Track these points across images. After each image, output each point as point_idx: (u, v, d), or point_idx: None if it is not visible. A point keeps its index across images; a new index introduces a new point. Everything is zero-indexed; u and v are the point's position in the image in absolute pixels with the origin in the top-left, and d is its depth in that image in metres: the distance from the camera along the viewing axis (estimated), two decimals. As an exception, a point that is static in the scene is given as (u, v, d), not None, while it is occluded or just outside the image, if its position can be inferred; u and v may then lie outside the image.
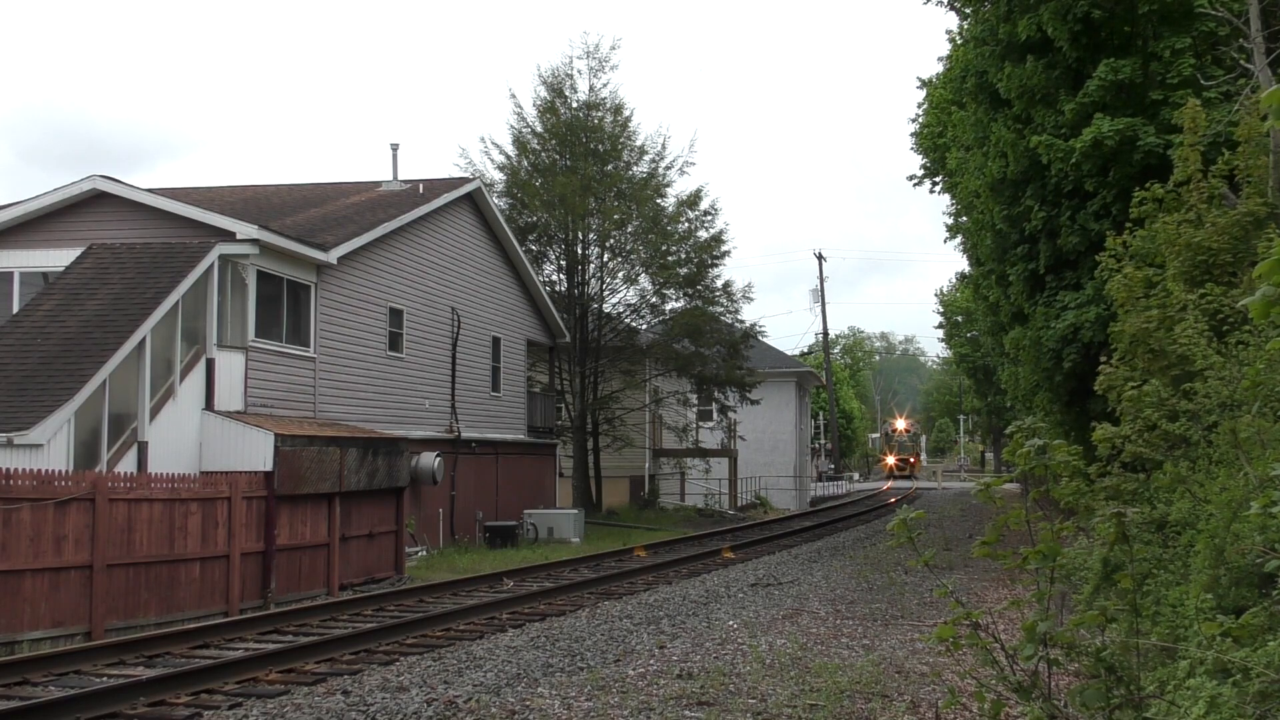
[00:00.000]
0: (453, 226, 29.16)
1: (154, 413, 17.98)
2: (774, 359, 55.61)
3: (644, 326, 40.92)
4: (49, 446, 15.65)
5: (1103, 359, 13.67)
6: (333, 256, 22.33)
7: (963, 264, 42.43)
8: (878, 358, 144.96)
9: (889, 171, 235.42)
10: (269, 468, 17.94)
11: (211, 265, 19.46)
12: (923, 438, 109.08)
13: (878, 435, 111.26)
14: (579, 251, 38.96)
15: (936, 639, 5.60)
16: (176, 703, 10.37)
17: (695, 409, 44.33)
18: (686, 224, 39.69)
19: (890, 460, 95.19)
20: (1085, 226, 20.00)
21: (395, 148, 30.13)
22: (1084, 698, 5.22)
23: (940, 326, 69.65)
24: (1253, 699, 5.10)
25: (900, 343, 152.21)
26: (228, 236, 19.98)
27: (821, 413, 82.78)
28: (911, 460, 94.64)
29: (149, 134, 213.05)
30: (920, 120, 43.30)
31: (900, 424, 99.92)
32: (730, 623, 14.21)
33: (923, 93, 42.92)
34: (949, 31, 27.98)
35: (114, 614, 14.80)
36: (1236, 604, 7.34)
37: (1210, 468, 9.88)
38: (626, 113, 39.19)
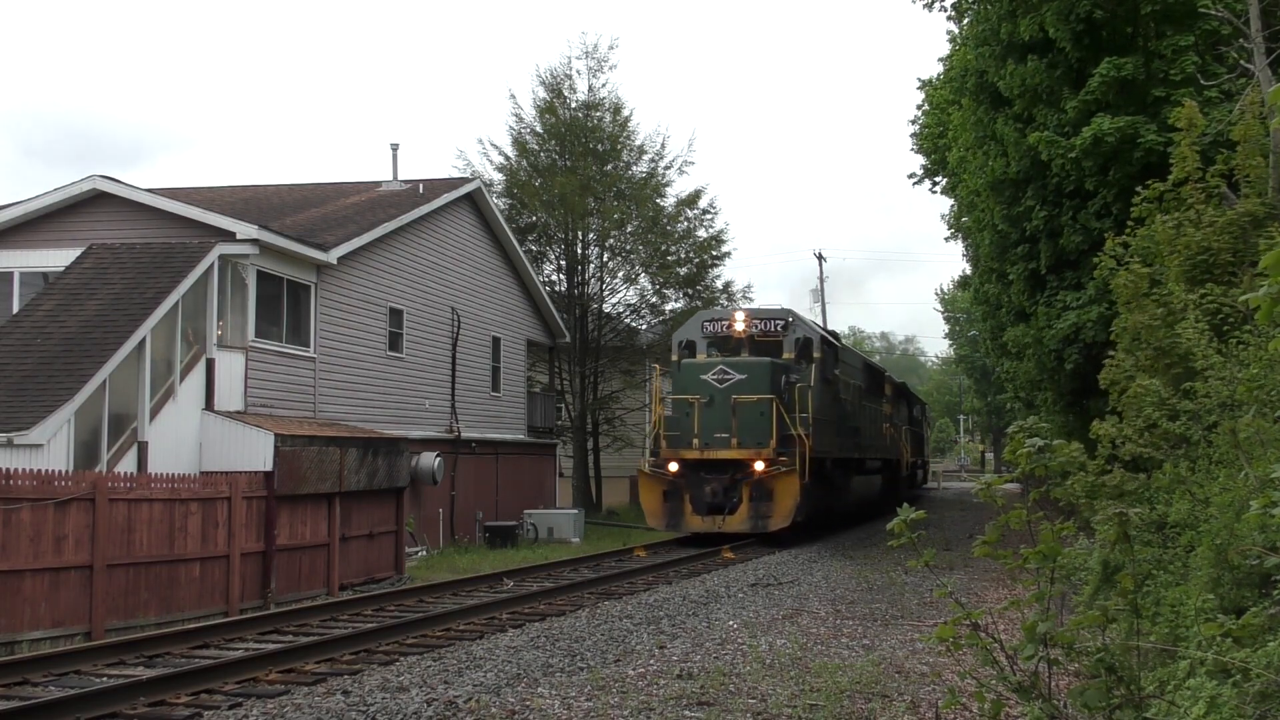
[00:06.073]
0: (453, 226, 29.16)
1: (154, 413, 17.98)
2: (774, 359, 55.08)
3: (644, 326, 40.91)
4: (49, 446, 15.65)
5: (1108, 355, 13.68)
6: (333, 256, 22.34)
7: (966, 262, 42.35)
8: (878, 358, 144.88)
9: (895, 167, 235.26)
10: (269, 468, 17.93)
11: (211, 265, 19.47)
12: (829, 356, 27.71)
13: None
14: (579, 251, 38.96)
15: (936, 639, 5.60)
16: (176, 703, 10.36)
17: (695, 409, 44.08)
18: (686, 224, 39.71)
19: (673, 464, 23.75)
20: (1086, 226, 20.00)
21: (395, 148, 30.19)
22: (1084, 698, 5.22)
23: (945, 325, 69.28)
24: (1253, 699, 5.10)
25: (900, 343, 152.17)
26: (228, 236, 19.98)
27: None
28: (758, 469, 23.12)
29: (150, 131, 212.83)
30: (920, 121, 43.31)
31: (739, 320, 25.59)
32: (730, 623, 14.20)
33: (923, 93, 42.96)
34: (950, 16, 27.84)
35: (114, 614, 14.80)
36: (1237, 604, 7.33)
37: (1210, 468, 9.87)
38: (626, 112, 39.23)
